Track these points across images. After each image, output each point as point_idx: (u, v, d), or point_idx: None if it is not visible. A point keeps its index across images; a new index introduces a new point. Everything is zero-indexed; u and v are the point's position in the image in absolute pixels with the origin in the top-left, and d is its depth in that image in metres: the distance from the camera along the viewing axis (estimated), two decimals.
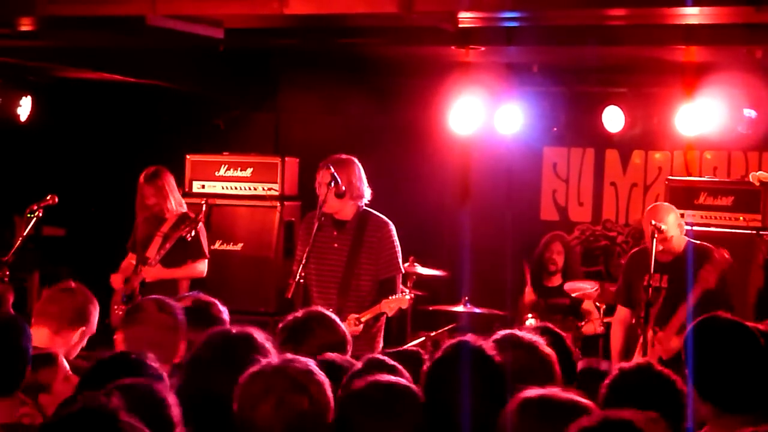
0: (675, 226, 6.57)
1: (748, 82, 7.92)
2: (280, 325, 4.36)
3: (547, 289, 8.57)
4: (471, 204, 9.56)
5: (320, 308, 4.61)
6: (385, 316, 6.40)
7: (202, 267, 7.56)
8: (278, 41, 7.79)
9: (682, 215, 7.51)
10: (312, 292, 6.60)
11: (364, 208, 6.58)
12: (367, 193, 6.58)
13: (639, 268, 6.63)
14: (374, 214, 6.65)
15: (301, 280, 6.70)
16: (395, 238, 6.62)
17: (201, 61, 8.55)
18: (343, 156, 6.57)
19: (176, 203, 7.58)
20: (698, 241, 6.63)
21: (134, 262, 7.59)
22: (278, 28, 7.15)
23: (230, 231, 8.37)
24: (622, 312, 6.79)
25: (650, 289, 6.46)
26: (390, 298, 6.39)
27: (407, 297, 6.54)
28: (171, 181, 7.63)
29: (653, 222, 6.57)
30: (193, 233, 7.44)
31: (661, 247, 6.47)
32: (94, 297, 4.87)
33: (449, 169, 9.77)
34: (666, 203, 7.04)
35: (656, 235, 6.51)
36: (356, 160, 6.59)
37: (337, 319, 4.45)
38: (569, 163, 9.64)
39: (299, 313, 4.44)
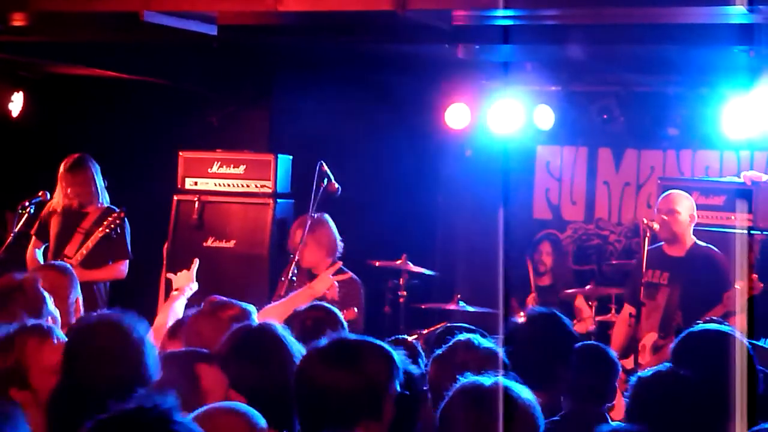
0: (688, 213, 6.68)
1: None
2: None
3: (539, 288, 8.61)
4: (464, 202, 9.57)
5: (324, 304, 4.72)
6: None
7: (123, 268, 7.31)
8: (272, 38, 7.78)
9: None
10: None
11: (340, 266, 6.92)
12: (340, 248, 7.01)
13: (644, 266, 6.71)
14: (346, 273, 6.98)
15: (293, 278, 6.77)
16: (359, 292, 6.94)
17: (194, 57, 8.54)
18: (315, 216, 6.94)
19: (99, 196, 7.30)
20: (705, 244, 6.67)
21: (40, 250, 7.29)
22: (272, 24, 7.13)
23: (223, 228, 8.36)
24: (625, 311, 6.83)
25: (644, 286, 6.56)
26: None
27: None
28: (96, 170, 7.35)
29: (645, 220, 6.63)
30: (119, 230, 7.16)
31: (669, 234, 6.60)
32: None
33: (442, 167, 9.78)
34: (679, 191, 7.07)
35: (648, 234, 6.56)
36: (328, 217, 6.98)
37: (340, 315, 4.57)
38: (562, 161, 9.65)
39: (302, 308, 4.55)
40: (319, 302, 4.87)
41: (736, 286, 6.45)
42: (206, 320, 4.23)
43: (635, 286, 6.74)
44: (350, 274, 6.93)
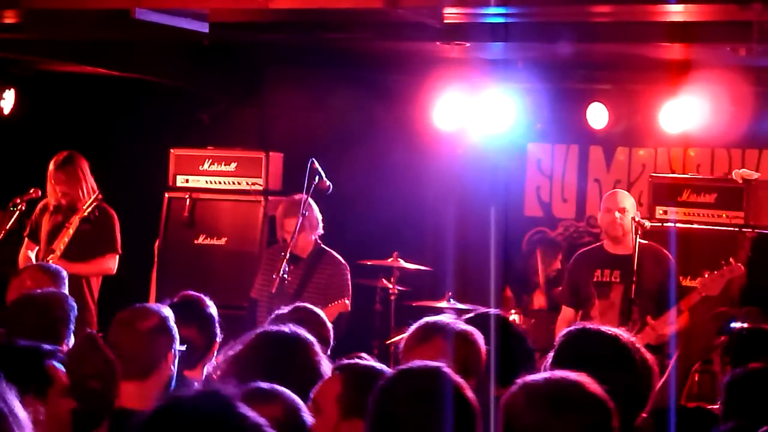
0: (633, 211, 6.73)
1: (730, 80, 7.95)
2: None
3: (536, 286, 8.62)
4: (455, 199, 9.58)
5: (305, 305, 4.72)
6: None
7: (112, 263, 7.11)
8: (263, 35, 7.78)
9: (665, 212, 7.60)
10: (259, 317, 6.82)
11: (321, 246, 7.02)
12: (320, 228, 7.05)
13: (587, 266, 6.75)
14: (329, 253, 7.05)
15: (284, 275, 6.77)
16: (347, 276, 6.99)
17: (186, 55, 8.53)
18: (296, 197, 6.99)
19: (89, 193, 7.09)
20: (645, 241, 6.70)
21: (33, 252, 7.19)
22: (263, 22, 7.14)
23: (214, 225, 8.36)
24: (566, 312, 6.85)
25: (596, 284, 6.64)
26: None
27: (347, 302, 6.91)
28: (85, 168, 7.17)
29: (637, 219, 6.64)
30: (96, 213, 6.94)
31: (621, 232, 6.63)
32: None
33: (433, 165, 9.78)
34: (623, 190, 7.17)
35: (639, 231, 6.58)
36: (310, 198, 6.97)
37: (322, 314, 4.56)
38: (553, 159, 9.66)
39: (285, 311, 4.53)
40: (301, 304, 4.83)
41: (704, 274, 6.52)
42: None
43: (586, 283, 6.76)
44: (336, 257, 7.02)
